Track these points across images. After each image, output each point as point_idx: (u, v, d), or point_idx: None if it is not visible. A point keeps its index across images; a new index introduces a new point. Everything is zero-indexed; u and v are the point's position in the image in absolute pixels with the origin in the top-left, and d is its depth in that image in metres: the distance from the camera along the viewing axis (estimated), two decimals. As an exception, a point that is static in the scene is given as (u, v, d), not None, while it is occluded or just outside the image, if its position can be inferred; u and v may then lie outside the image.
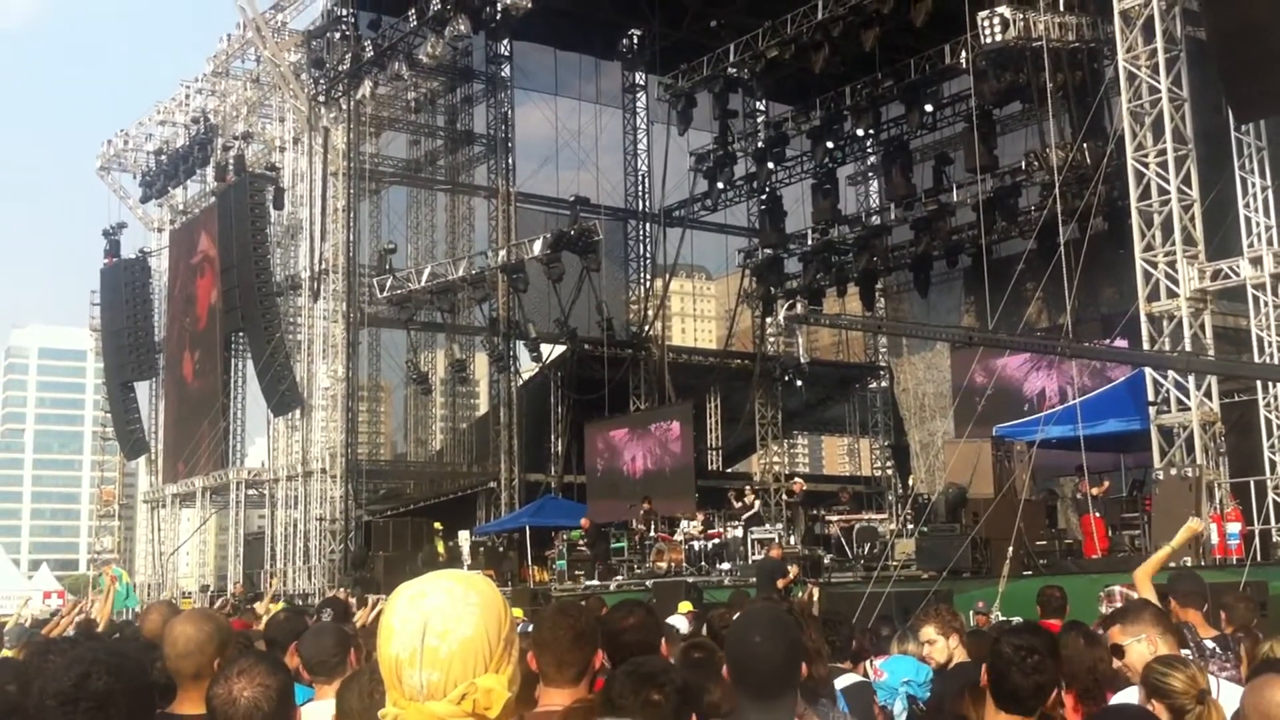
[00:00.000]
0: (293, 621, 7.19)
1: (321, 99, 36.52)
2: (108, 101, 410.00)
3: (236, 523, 40.28)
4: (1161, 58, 20.00)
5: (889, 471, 39.99)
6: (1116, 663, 5.05)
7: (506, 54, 39.27)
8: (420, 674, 2.05)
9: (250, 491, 39.81)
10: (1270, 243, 19.54)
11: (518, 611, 12.00)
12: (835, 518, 25.21)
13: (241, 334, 39.72)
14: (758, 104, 37.84)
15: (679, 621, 12.15)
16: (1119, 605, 5.47)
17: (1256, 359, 19.30)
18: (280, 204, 38.52)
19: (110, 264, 46.66)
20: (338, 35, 35.76)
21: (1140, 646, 4.95)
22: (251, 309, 37.16)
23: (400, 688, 2.08)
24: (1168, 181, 19.76)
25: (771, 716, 3.45)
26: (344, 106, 36.23)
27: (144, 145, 45.56)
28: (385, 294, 35.31)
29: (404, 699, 2.08)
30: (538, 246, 33.38)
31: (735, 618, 4.42)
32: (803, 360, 30.20)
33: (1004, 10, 24.48)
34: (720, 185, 36.52)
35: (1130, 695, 4.53)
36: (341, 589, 27.47)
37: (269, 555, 36.56)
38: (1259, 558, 16.94)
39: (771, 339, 38.65)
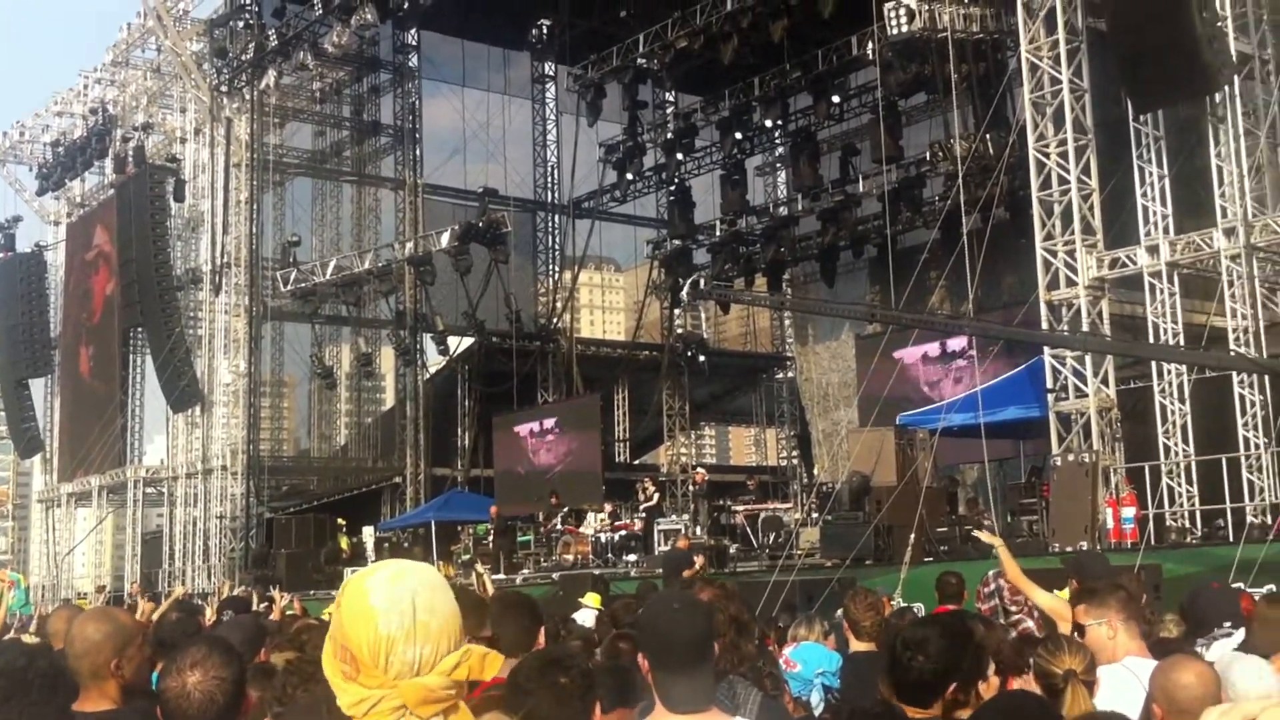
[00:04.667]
0: (185, 622, 7.06)
1: (224, 89, 35.90)
2: (2, 94, 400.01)
3: (134, 522, 39.44)
4: (1063, 49, 20.19)
5: (794, 461, 40.18)
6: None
7: (414, 44, 38.86)
8: (415, 649, 2.08)
9: (148, 490, 39.07)
10: (1166, 231, 19.80)
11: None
12: (741, 508, 25.21)
13: (140, 329, 38.95)
14: (667, 95, 37.74)
15: (585, 615, 12.03)
16: (991, 588, 5.45)
17: (1152, 345, 19.58)
18: (181, 196, 37.84)
19: (4, 258, 45.48)
20: (241, 24, 35.26)
21: (1100, 630, 5.00)
22: (150, 303, 36.43)
23: (385, 667, 2.08)
24: (1068, 171, 19.97)
25: (693, 687, 3.38)
26: (247, 97, 35.66)
27: (40, 137, 44.45)
28: (289, 287, 34.72)
29: (388, 679, 2.08)
30: (445, 239, 33.00)
31: (650, 599, 4.49)
32: (706, 336, 30.12)
33: (910, 1, 24.60)
34: (629, 176, 36.38)
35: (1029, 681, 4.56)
36: (241, 587, 26.96)
37: (167, 554, 35.87)
38: (1153, 541, 17.18)
39: (679, 327, 38.65)
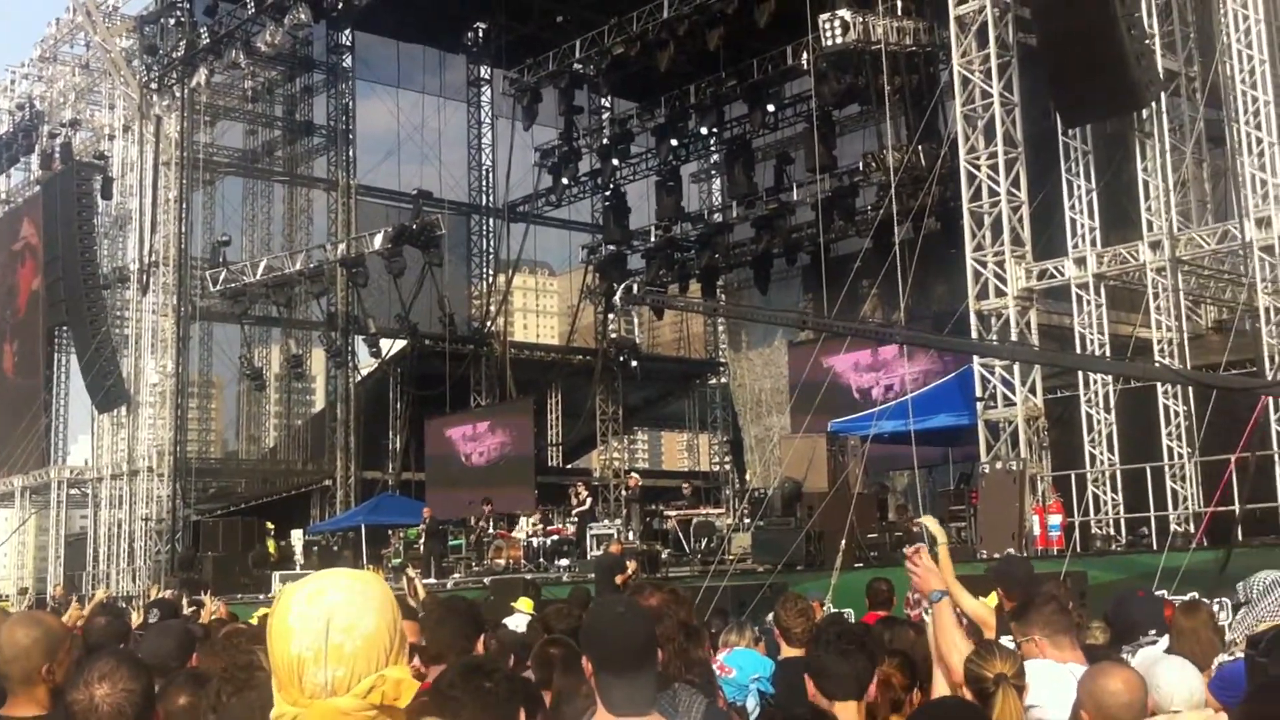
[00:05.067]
0: (113, 626, 6.96)
1: (154, 86, 35.42)
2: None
3: (58, 523, 38.70)
4: (994, 63, 20.45)
5: (727, 467, 40.34)
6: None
7: (348, 44, 38.60)
8: (326, 671, 2.02)
9: (72, 491, 38.32)
10: (1094, 244, 20.12)
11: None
12: (673, 513, 25.28)
13: (65, 327, 38.22)
14: (603, 100, 37.78)
15: (517, 620, 12.00)
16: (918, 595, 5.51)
17: (1079, 356, 19.87)
18: (109, 194, 37.26)
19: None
20: (172, 21, 34.84)
21: (1030, 648, 5.04)
22: (76, 302, 35.84)
23: (300, 687, 2.04)
24: (998, 183, 20.21)
25: (633, 690, 3.38)
26: (178, 94, 35.21)
27: (-34, 132, 43.49)
28: (218, 287, 34.30)
29: (304, 698, 2.03)
30: (378, 240, 32.76)
31: (596, 603, 4.54)
32: (638, 342, 30.19)
33: (844, 13, 24.82)
34: (565, 181, 36.38)
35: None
36: (168, 590, 26.61)
37: (91, 556, 35.28)
38: (1079, 549, 17.42)
39: (613, 332, 38.71)
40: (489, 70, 40.09)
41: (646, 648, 3.48)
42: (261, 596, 24.84)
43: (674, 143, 34.05)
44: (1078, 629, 6.48)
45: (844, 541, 17.23)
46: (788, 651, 6.98)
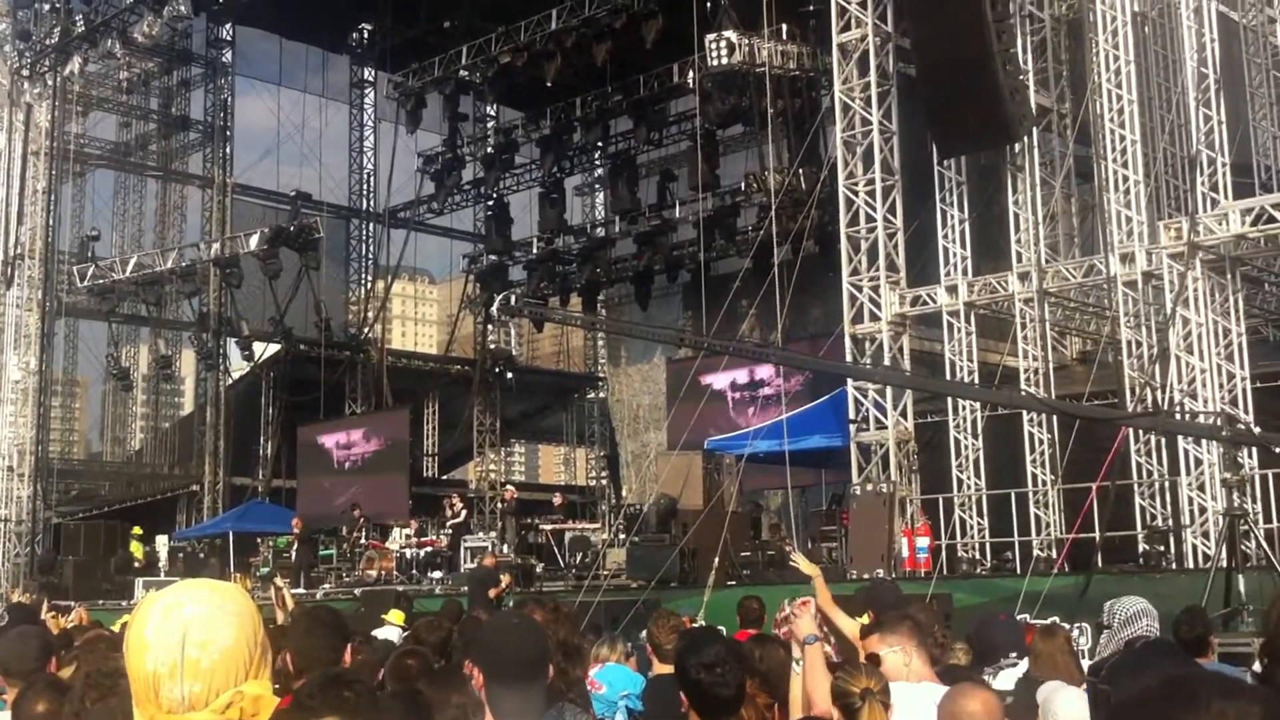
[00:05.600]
0: None
1: (25, 73, 34.37)
2: None
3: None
4: (874, 91, 20.82)
5: (603, 481, 40.37)
6: None
7: (229, 39, 37.80)
8: (181, 686, 1.99)
9: (-74, 489, 36.92)
10: (965, 273, 20.63)
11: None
12: (548, 526, 25.23)
13: (-76, 319, 36.83)
14: (488, 108, 37.62)
15: (388, 632, 11.85)
16: (785, 614, 5.64)
17: (948, 381, 20.35)
18: (-26, 183, 36.00)
19: None
20: (47, 7, 33.88)
21: (895, 657, 5.17)
22: (-64, 293, 34.55)
23: (157, 701, 2.01)
24: (875, 210, 20.56)
25: (523, 701, 3.45)
26: (50, 82, 34.22)
27: None
28: (86, 283, 33.41)
29: (161, 712, 2.01)
30: (254, 241, 32.19)
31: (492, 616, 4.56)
32: (516, 353, 30.14)
33: (730, 35, 25.14)
34: (447, 188, 36.14)
35: None
36: (26, 593, 25.76)
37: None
38: (945, 571, 17.82)
39: (492, 342, 38.52)
40: (373, 72, 39.67)
41: (539, 661, 3.56)
42: (124, 603, 24.16)
43: (558, 154, 34.08)
44: (942, 649, 6.66)
45: (717, 559, 17.37)
46: (659, 668, 7.04)
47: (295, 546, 27.48)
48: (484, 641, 3.72)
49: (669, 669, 6.90)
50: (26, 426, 33.17)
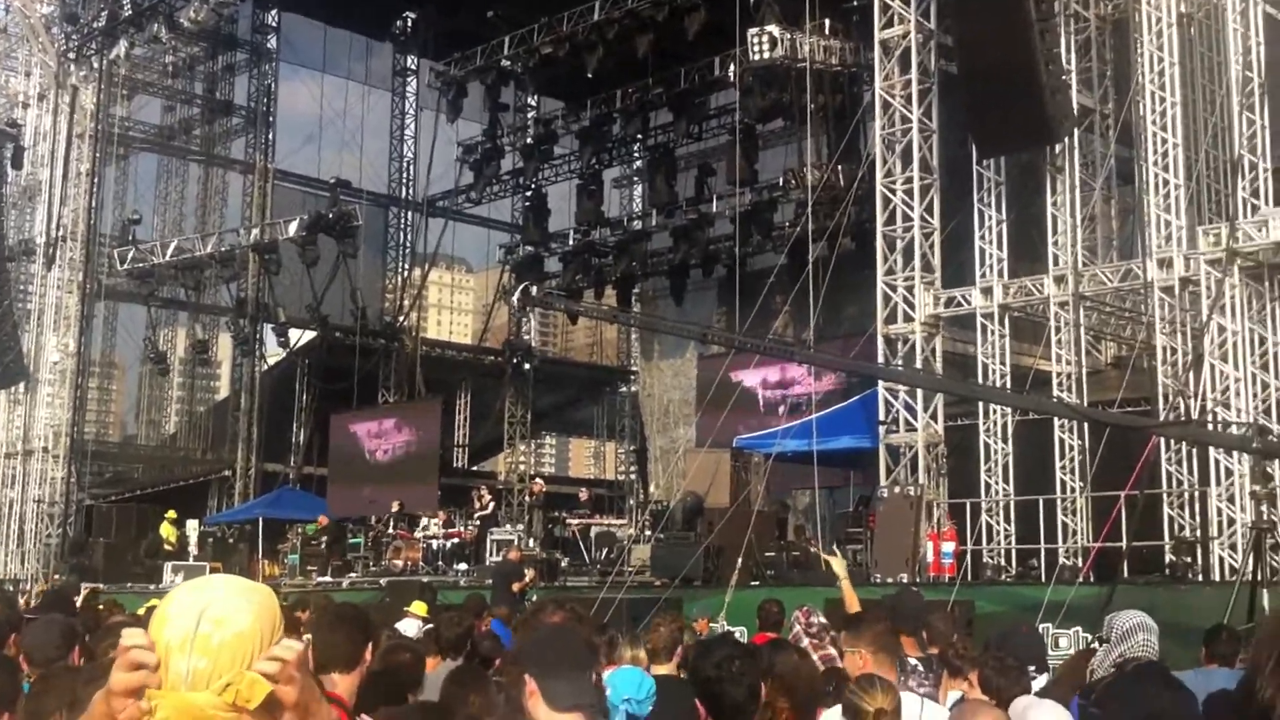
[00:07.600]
0: (3, 613, 6.74)
1: (72, 56, 34.69)
2: None
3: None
4: (915, 89, 20.60)
5: (632, 476, 40.24)
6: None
7: (274, 24, 38.02)
8: (189, 660, 1.96)
9: (-37, 468, 37.34)
10: (1001, 275, 20.36)
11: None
12: (574, 520, 25.15)
13: (-36, 298, 37.21)
14: (529, 99, 37.57)
15: (409, 624, 11.78)
16: (798, 628, 5.58)
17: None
18: (19, 163, 36.25)
19: None
20: (94, -10, 34.05)
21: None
22: (-22, 272, 34.89)
23: (165, 676, 1.98)
24: (912, 209, 20.36)
25: (579, 687, 3.46)
26: (96, 65, 34.52)
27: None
28: (126, 266, 33.60)
29: (166, 687, 1.97)
30: (293, 227, 32.25)
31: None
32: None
33: (773, 29, 24.95)
34: (486, 178, 36.12)
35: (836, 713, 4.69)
36: (57, 576, 26.02)
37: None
38: (969, 577, 17.58)
39: (526, 334, 38.46)
40: (415, 60, 39.65)
41: (587, 652, 3.72)
42: (153, 587, 24.30)
43: (597, 146, 34.00)
44: (961, 658, 6.53)
45: (741, 559, 17.23)
46: (655, 669, 6.95)
47: (327, 537, 27.52)
48: (530, 647, 3.87)
49: (666, 669, 6.83)
50: (63, 408, 33.45)
